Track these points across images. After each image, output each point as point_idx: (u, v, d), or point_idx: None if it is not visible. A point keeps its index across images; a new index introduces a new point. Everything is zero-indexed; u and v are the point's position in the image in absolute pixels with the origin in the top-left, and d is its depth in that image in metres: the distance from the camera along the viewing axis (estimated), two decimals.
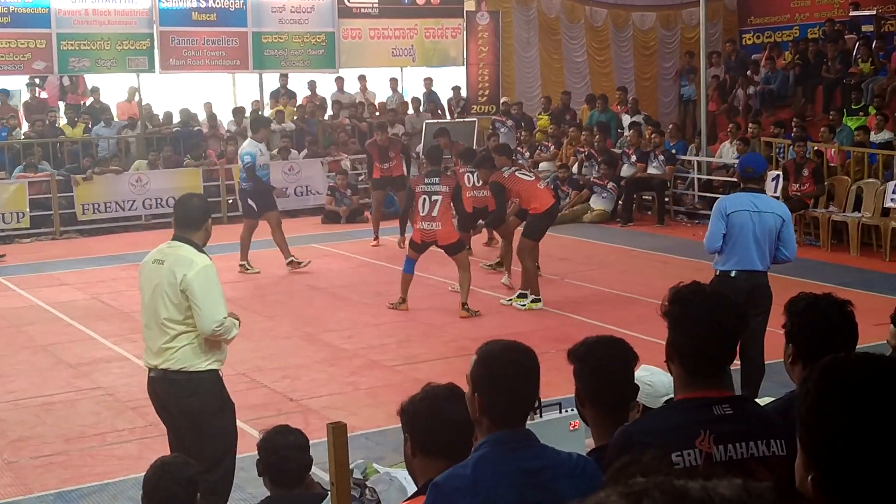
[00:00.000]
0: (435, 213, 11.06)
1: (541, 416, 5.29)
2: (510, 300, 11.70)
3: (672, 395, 4.14)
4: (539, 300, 11.51)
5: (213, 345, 5.84)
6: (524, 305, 11.49)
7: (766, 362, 7.61)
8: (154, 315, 5.82)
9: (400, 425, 3.48)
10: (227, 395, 6.03)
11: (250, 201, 14.02)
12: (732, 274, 7.54)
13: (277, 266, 14.46)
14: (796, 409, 1.84)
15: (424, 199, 11.10)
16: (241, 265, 14.02)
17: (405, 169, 16.13)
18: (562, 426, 4.10)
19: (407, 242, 11.88)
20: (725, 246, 7.57)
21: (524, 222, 11.95)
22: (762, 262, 7.58)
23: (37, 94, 19.85)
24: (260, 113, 19.24)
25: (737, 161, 17.25)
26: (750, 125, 17.67)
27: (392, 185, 15.89)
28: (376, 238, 15.56)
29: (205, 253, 5.97)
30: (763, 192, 8.12)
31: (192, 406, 5.81)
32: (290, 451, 4.65)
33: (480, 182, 12.57)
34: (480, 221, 12.67)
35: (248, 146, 14.05)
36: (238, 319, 5.98)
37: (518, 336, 10.48)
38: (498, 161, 11.91)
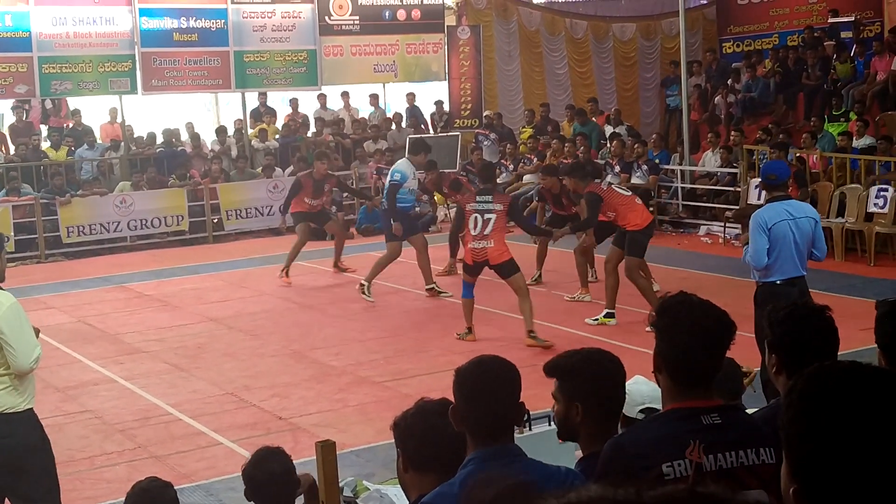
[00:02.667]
0: (487, 232, 10.48)
1: (530, 429, 5.30)
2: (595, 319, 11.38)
3: (648, 405, 4.16)
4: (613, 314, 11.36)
5: (25, 382, 5.65)
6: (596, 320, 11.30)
7: (754, 369, 7.62)
8: None
9: (390, 441, 3.48)
10: (45, 432, 5.84)
11: (393, 221, 12.98)
12: (778, 282, 7.54)
13: (265, 284, 14.44)
14: (780, 419, 1.83)
15: (476, 217, 10.55)
16: (427, 289, 13.15)
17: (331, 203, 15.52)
18: (551, 439, 4.10)
19: (460, 266, 11.61)
20: (768, 258, 7.55)
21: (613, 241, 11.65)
22: (803, 267, 7.63)
23: (24, 118, 19.79)
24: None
25: (719, 170, 17.45)
26: (732, 133, 17.74)
27: (315, 220, 14.90)
28: (285, 272, 14.43)
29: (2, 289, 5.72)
30: (790, 197, 8.09)
31: (12, 446, 5.58)
32: (274, 480, 4.52)
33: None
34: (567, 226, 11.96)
35: (402, 165, 13.18)
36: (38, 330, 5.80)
37: (506, 347, 10.47)
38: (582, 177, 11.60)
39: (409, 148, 14.23)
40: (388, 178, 13.24)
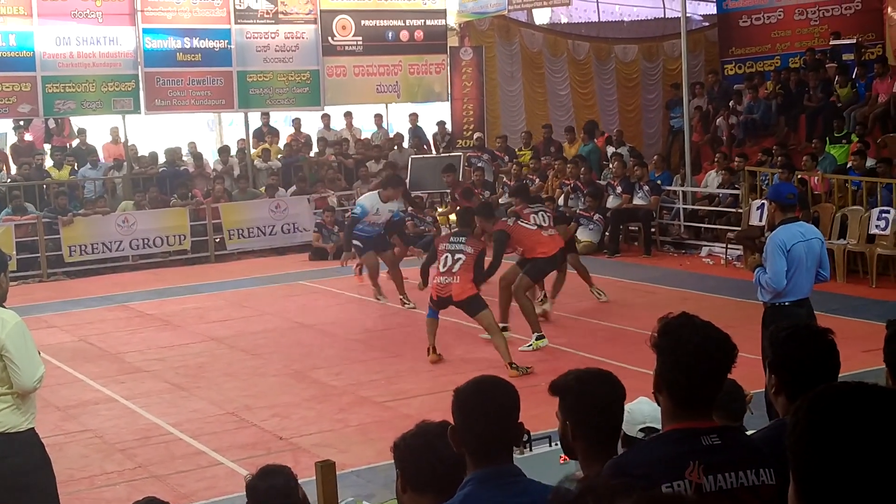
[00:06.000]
0: (455, 270, 10.53)
1: (530, 450, 5.29)
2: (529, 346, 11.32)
3: (648, 424, 4.15)
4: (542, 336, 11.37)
5: (27, 401, 5.64)
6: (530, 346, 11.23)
7: (749, 392, 7.60)
8: None
9: (390, 462, 3.48)
10: (46, 452, 5.82)
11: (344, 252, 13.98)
12: (787, 304, 7.53)
13: (267, 303, 14.44)
14: (786, 439, 1.83)
15: (447, 256, 10.63)
16: (400, 298, 13.75)
17: None
18: (552, 460, 4.10)
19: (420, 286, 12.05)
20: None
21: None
22: (810, 289, 7.62)
23: (24, 139, 19.85)
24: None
25: (720, 190, 17.46)
26: (737, 158, 17.76)
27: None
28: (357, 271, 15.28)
29: (5, 307, 5.72)
30: (800, 219, 8.07)
31: (14, 465, 5.55)
32: (275, 493, 4.51)
33: (548, 222, 11.91)
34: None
35: (365, 199, 13.75)
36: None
37: (504, 369, 10.39)
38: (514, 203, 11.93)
39: (383, 181, 14.56)
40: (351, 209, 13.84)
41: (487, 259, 11.03)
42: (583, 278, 13.44)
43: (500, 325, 11.20)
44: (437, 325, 10.94)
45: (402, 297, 13.68)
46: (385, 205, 13.63)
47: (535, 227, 11.68)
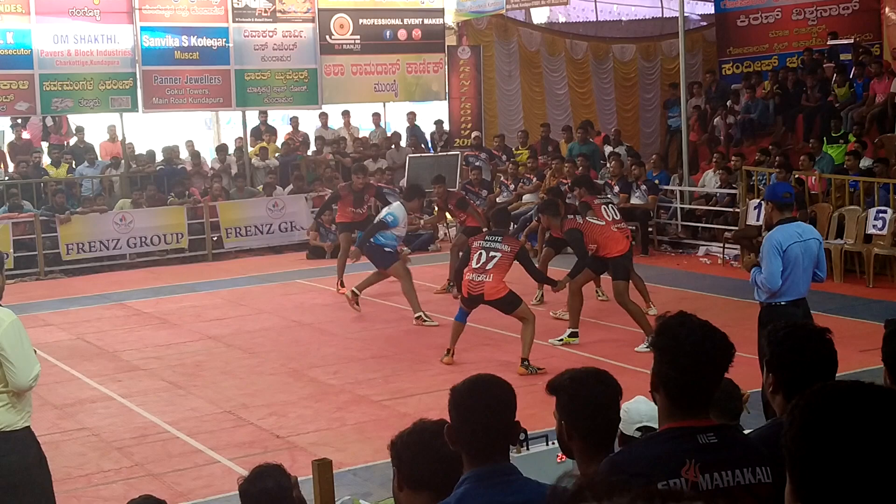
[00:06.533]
0: (489, 267, 10.32)
1: (527, 449, 5.30)
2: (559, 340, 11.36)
3: (645, 423, 4.16)
4: (575, 334, 11.38)
5: (23, 399, 5.64)
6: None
7: (746, 391, 7.62)
8: None
9: (387, 460, 3.48)
10: (41, 450, 5.83)
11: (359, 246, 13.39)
12: (783, 304, 7.54)
13: (264, 302, 14.44)
14: (782, 438, 1.83)
15: (481, 253, 10.40)
16: (416, 317, 12.78)
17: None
18: (548, 459, 4.10)
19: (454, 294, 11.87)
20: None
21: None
22: (806, 289, 7.64)
23: (22, 137, 19.83)
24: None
25: (718, 190, 17.47)
26: (734, 157, 17.77)
27: (359, 228, 14.63)
28: (341, 283, 14.58)
29: (1, 306, 5.71)
30: (798, 219, 8.07)
31: (9, 464, 5.56)
32: (266, 496, 4.47)
33: (619, 216, 11.84)
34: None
35: (397, 210, 13.23)
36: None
37: (504, 367, 10.45)
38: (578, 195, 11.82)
39: (406, 193, 14.37)
40: (381, 215, 13.32)
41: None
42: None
43: (570, 329, 11.28)
44: (462, 330, 10.82)
45: (418, 315, 12.75)
46: (408, 217, 13.57)
47: (604, 223, 11.45)
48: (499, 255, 10.38)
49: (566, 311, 12.16)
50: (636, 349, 10.74)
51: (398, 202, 13.81)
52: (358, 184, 14.87)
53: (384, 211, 13.42)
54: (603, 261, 11.46)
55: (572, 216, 11.86)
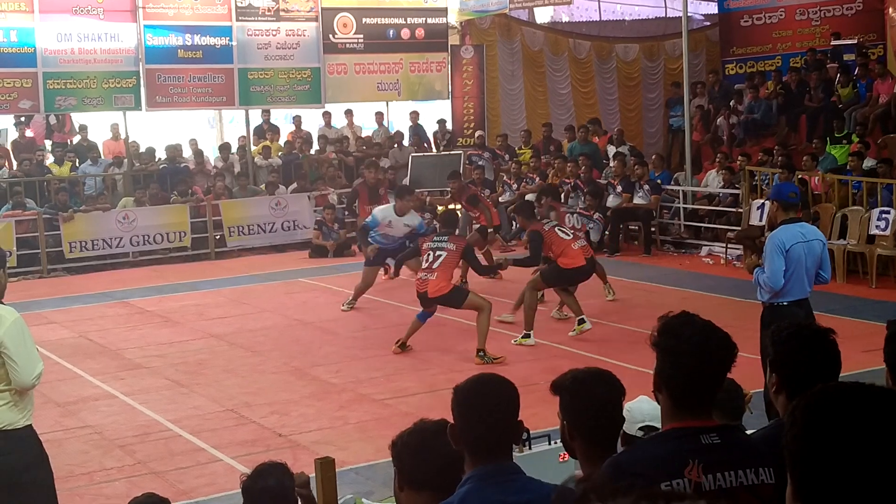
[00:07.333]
0: (435, 266, 10.86)
1: (530, 448, 5.30)
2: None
3: (648, 423, 4.16)
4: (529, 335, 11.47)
5: (25, 398, 5.63)
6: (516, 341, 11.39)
7: (749, 391, 7.61)
8: None
9: (389, 459, 3.48)
10: (43, 448, 5.82)
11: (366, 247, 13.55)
12: (785, 304, 7.53)
13: (267, 300, 14.45)
14: (783, 438, 1.83)
15: (429, 254, 11.00)
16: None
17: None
18: (551, 458, 4.10)
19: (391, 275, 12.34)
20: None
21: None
22: (809, 290, 7.62)
23: (25, 135, 19.84)
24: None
25: (721, 190, 17.46)
26: (739, 158, 17.76)
27: (391, 255, 14.42)
28: (390, 269, 14.68)
29: (4, 304, 5.69)
30: (802, 219, 8.07)
31: (11, 462, 5.55)
32: (268, 494, 4.47)
33: (580, 224, 12.28)
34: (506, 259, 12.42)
35: (378, 211, 13.58)
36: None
37: (507, 367, 10.43)
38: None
39: (397, 192, 14.60)
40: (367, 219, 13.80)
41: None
42: (598, 276, 13.22)
43: (525, 331, 11.38)
44: (419, 327, 11.24)
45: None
46: (400, 218, 13.40)
47: (568, 238, 11.86)
48: (444, 253, 10.92)
49: (567, 311, 12.20)
50: (512, 342, 11.23)
51: (388, 204, 14.20)
52: (371, 178, 15.65)
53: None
54: (567, 272, 11.72)
55: (546, 220, 12.19)
